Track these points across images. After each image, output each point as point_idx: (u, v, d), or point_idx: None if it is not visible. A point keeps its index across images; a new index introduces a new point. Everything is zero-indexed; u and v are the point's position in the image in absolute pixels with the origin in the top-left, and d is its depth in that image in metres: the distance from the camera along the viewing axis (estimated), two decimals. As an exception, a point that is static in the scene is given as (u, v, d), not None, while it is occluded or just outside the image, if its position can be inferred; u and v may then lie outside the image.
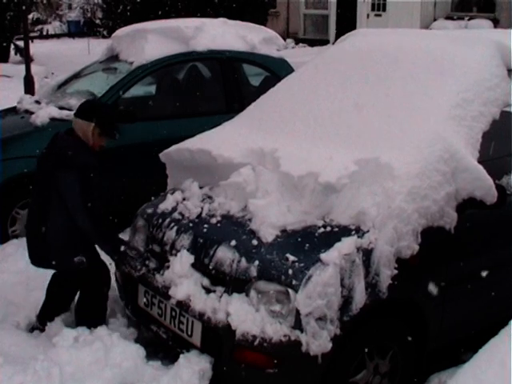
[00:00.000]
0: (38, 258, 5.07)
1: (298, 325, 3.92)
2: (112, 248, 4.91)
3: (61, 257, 4.92)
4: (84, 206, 4.69)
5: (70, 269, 4.94)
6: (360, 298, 4.02)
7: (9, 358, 4.53)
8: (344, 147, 4.55)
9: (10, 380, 4.25)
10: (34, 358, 4.47)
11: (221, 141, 5.10)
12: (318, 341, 3.90)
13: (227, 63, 8.27)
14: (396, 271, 4.14)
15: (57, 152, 4.82)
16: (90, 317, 4.93)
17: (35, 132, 7.30)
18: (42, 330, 5.12)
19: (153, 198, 5.33)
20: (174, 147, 5.38)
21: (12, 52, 23.30)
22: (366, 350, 4.26)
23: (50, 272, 5.46)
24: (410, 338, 4.44)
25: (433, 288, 4.39)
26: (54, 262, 4.99)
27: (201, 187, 5.02)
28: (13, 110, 8.35)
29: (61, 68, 16.75)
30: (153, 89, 8.72)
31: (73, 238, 4.84)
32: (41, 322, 5.20)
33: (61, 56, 23.41)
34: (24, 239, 6.66)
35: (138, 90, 8.17)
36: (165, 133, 6.93)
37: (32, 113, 7.60)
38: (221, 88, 8.23)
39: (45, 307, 5.25)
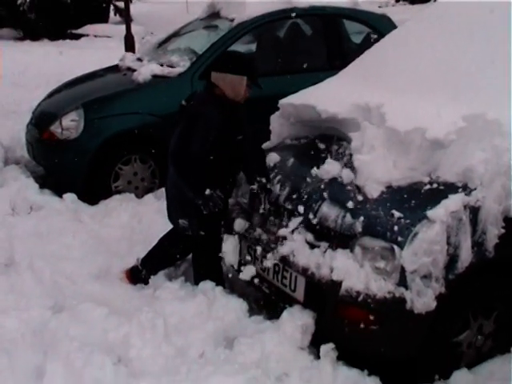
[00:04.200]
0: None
1: (402, 282, 3.87)
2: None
3: (171, 215, 5.02)
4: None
5: (177, 229, 4.99)
6: (466, 256, 3.93)
7: (114, 309, 4.64)
8: (451, 102, 4.41)
9: (116, 330, 4.36)
10: (139, 309, 4.56)
11: (325, 96, 5.03)
12: (422, 299, 3.84)
13: (329, 19, 8.16)
14: (503, 230, 4.02)
15: (186, 107, 4.80)
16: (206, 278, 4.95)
17: (138, 89, 7.39)
18: (146, 282, 5.21)
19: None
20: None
21: (112, 13, 23.63)
22: (471, 309, 4.19)
23: (152, 229, 5.56)
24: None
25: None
26: (168, 218, 5.10)
27: (304, 142, 4.99)
28: (115, 68, 8.48)
29: (159, 28, 16.87)
30: (253, 46, 8.67)
31: (180, 199, 4.86)
32: (142, 264, 5.29)
33: (159, 16, 23.67)
34: (127, 194, 6.87)
35: (238, 48, 8.14)
36: (266, 90, 6.91)
37: (134, 70, 7.69)
38: (322, 45, 8.11)
39: (152, 253, 5.33)
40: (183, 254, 5.36)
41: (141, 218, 6.43)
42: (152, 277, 5.18)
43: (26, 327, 4.46)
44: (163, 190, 6.70)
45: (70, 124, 7.13)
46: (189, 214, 4.89)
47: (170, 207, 5.03)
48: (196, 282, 4.99)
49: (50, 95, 8.39)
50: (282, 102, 5.26)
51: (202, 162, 4.67)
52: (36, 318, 4.56)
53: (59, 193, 6.98)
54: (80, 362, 4.01)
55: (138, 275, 5.25)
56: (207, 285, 4.81)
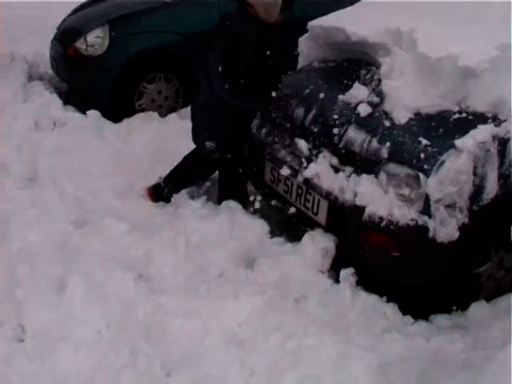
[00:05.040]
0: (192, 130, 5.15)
1: (426, 210, 3.84)
2: (256, 103, 4.86)
3: (197, 136, 5.01)
4: (223, 72, 4.61)
5: (202, 151, 4.98)
6: (491, 188, 3.89)
7: (135, 225, 4.65)
8: (485, 31, 4.31)
9: (137, 246, 4.40)
10: (160, 227, 4.60)
11: (356, 19, 4.92)
12: (445, 228, 3.82)
13: None
14: (531, 163, 3.97)
15: (218, 24, 4.77)
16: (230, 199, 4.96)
17: (165, 7, 7.30)
18: (168, 200, 5.23)
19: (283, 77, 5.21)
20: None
21: None
22: (493, 242, 4.18)
23: (175, 148, 5.54)
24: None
25: None
26: (193, 139, 5.09)
27: (332, 65, 4.93)
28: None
29: None
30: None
31: (209, 121, 4.86)
32: (165, 182, 5.30)
33: None
34: (150, 113, 6.85)
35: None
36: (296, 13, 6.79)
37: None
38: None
39: (175, 172, 5.33)
40: (206, 174, 5.37)
41: (164, 137, 6.41)
42: (174, 195, 5.20)
43: (48, 241, 4.52)
44: (187, 109, 6.70)
45: (95, 40, 7.10)
46: (217, 136, 4.89)
47: (198, 130, 5.00)
48: (219, 202, 5.00)
49: (75, 11, 8.33)
50: (312, 24, 5.17)
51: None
52: (58, 232, 4.61)
53: (83, 109, 6.97)
54: (101, 277, 4.07)
55: (160, 193, 5.26)
56: (230, 205, 4.82)
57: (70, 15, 8.29)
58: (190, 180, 5.35)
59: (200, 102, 4.89)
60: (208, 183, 5.42)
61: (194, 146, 5.22)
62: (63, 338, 3.69)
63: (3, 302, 3.96)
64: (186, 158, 5.31)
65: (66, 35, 7.65)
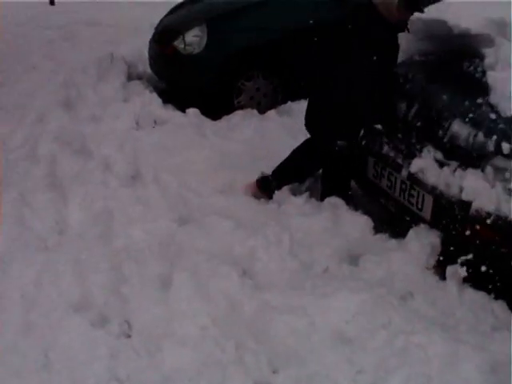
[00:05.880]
0: (310, 125, 5.13)
1: (535, 205, 3.73)
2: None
3: (326, 135, 4.95)
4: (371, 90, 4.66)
5: (329, 149, 4.94)
6: None
7: (239, 222, 4.69)
8: None
9: (242, 243, 4.42)
10: (264, 223, 4.60)
11: (457, 10, 4.84)
12: (555, 223, 3.72)
13: None
14: None
15: (357, 28, 4.72)
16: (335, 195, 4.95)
17: (266, 4, 7.31)
18: (271, 194, 5.18)
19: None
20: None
21: None
22: None
23: (275, 144, 5.52)
24: None
25: None
26: (318, 137, 5.05)
27: (433, 58, 4.86)
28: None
29: None
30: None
31: (344, 121, 4.81)
32: (274, 175, 5.25)
33: None
34: (249, 110, 6.88)
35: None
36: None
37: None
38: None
39: (284, 165, 5.27)
40: (315, 169, 5.32)
41: (263, 134, 6.44)
42: (276, 192, 5.17)
43: (152, 238, 4.58)
44: (285, 105, 6.72)
45: (193, 39, 7.21)
46: (350, 135, 4.88)
47: (329, 128, 4.91)
48: (322, 199, 4.98)
49: (173, 11, 8.44)
50: (411, 17, 5.09)
51: None
52: (162, 229, 4.67)
53: (182, 108, 7.06)
54: (206, 273, 4.09)
55: (267, 185, 5.22)
56: (332, 201, 4.81)
57: (167, 15, 8.42)
58: (298, 174, 5.31)
59: (335, 103, 4.80)
60: (310, 179, 5.39)
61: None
62: (169, 333, 3.73)
63: (110, 298, 4.02)
64: (294, 151, 5.26)
65: (164, 35, 7.77)
